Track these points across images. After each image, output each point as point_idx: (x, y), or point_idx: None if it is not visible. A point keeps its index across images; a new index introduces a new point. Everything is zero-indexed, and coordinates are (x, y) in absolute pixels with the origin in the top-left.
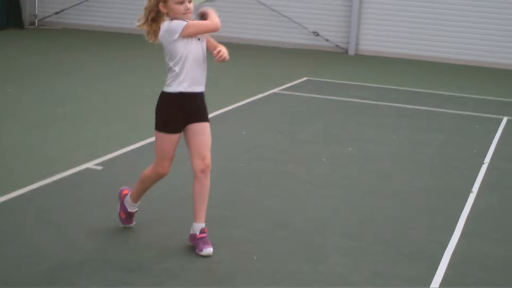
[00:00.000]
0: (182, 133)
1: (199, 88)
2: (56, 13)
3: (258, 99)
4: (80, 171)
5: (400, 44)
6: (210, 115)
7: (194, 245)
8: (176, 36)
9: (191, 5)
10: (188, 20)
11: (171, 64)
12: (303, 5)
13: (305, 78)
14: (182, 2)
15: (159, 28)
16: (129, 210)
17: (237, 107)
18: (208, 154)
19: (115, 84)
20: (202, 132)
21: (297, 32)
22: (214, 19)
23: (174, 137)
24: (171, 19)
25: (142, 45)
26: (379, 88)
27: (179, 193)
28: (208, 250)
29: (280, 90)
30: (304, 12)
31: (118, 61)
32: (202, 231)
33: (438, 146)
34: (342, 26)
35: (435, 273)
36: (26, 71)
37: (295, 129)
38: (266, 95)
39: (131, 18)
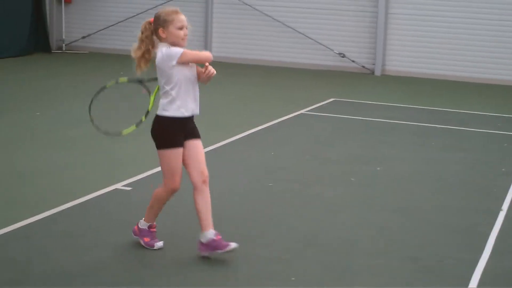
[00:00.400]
0: None
1: (194, 112)
2: (83, 37)
3: (286, 120)
4: (109, 192)
5: (426, 64)
6: (238, 136)
7: (215, 249)
8: (174, 62)
9: (187, 31)
10: (184, 48)
11: (168, 88)
12: (329, 27)
13: (331, 99)
14: (181, 28)
15: (150, 56)
16: (143, 227)
17: (264, 128)
18: (205, 168)
19: (142, 106)
20: (198, 147)
21: (323, 53)
22: (204, 55)
23: (180, 150)
24: (169, 45)
25: None
26: (405, 108)
27: None
28: (232, 244)
29: (307, 111)
30: (330, 34)
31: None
32: (216, 235)
33: (465, 164)
34: (368, 47)
35: None
36: (54, 94)
37: (322, 150)
38: (293, 116)
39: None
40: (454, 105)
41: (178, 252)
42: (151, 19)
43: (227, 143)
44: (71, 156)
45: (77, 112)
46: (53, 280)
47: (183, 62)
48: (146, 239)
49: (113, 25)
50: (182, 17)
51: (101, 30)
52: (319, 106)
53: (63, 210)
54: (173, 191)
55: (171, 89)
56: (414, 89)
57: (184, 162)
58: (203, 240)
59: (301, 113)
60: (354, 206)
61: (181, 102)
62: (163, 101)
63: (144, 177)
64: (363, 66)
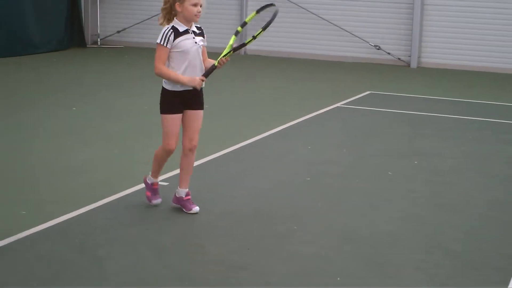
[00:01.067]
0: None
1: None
2: (118, 32)
3: (322, 113)
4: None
5: (463, 55)
6: (275, 130)
7: (181, 206)
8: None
9: (201, 10)
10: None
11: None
12: (364, 19)
13: (368, 92)
14: (196, 5)
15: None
16: (150, 182)
17: (301, 121)
18: (196, 137)
19: None
20: (194, 117)
21: (359, 46)
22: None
23: (176, 116)
24: (179, 24)
25: None
26: (442, 101)
27: (244, 209)
28: (195, 208)
29: (344, 104)
30: (365, 26)
31: None
32: (187, 194)
33: (507, 158)
34: (404, 39)
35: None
36: (89, 89)
37: (359, 143)
38: (330, 110)
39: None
40: (492, 97)
41: (218, 246)
42: None
43: (263, 137)
44: (109, 150)
45: (113, 107)
46: (90, 276)
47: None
48: (148, 193)
49: (147, 19)
50: None
51: (135, 24)
52: (355, 99)
53: (104, 204)
54: (168, 152)
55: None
56: (450, 81)
57: (183, 126)
58: (177, 194)
59: (338, 106)
60: (393, 200)
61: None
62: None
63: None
64: (399, 58)
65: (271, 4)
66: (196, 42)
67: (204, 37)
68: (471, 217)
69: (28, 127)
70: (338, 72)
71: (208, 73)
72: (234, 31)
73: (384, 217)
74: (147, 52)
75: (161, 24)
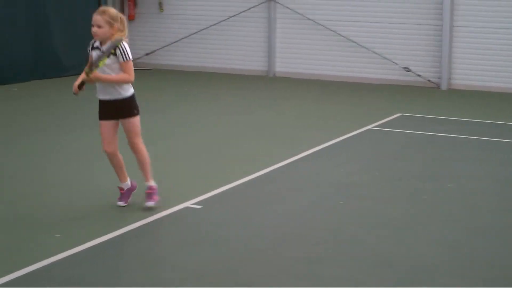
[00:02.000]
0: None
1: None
2: (147, 54)
3: (353, 136)
4: (179, 210)
5: (492, 77)
6: (306, 153)
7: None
8: None
9: (96, 30)
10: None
11: None
12: (393, 41)
13: (398, 114)
14: (92, 26)
15: None
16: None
17: (332, 144)
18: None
19: (206, 122)
20: (124, 124)
21: (388, 68)
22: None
23: (103, 123)
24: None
25: (228, 84)
26: (474, 122)
27: (276, 232)
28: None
29: (374, 126)
30: (395, 48)
31: (209, 100)
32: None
33: None
34: (433, 61)
35: None
36: None
37: (391, 166)
38: (361, 132)
39: (220, 58)
40: None
41: (252, 270)
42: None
43: (294, 160)
44: (139, 173)
45: (147, 131)
46: None
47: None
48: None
49: (176, 41)
50: (94, 17)
51: (164, 46)
52: (386, 121)
53: (136, 228)
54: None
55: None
56: (482, 103)
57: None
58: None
59: (368, 129)
60: (428, 224)
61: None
62: None
63: (213, 195)
64: (429, 80)
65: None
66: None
67: (115, 55)
68: (506, 242)
69: (60, 149)
70: (368, 94)
71: (80, 85)
72: (262, 53)
73: (420, 241)
74: (176, 75)
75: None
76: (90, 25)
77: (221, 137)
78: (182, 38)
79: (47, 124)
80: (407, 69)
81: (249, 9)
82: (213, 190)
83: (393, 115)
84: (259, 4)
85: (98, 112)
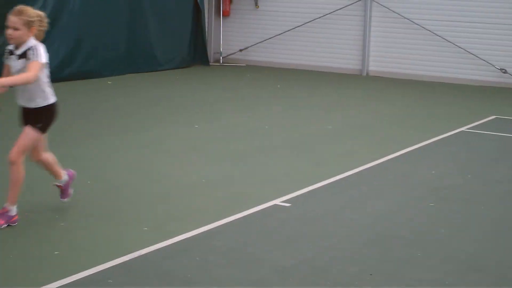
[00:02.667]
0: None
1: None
2: (240, 50)
3: (446, 137)
4: (267, 208)
5: None
6: (398, 153)
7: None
8: None
9: (12, 33)
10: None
11: None
12: (490, 41)
13: (493, 117)
14: (6, 28)
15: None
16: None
17: (425, 145)
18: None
19: (298, 119)
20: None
21: (484, 69)
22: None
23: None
24: None
25: (320, 82)
26: None
27: (366, 233)
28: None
29: (468, 128)
30: (491, 49)
31: (299, 97)
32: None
33: None
34: None
35: None
36: (211, 106)
37: (485, 169)
38: (454, 134)
39: (313, 55)
40: None
41: (339, 269)
42: None
43: (386, 160)
44: (230, 170)
45: (235, 125)
46: None
47: None
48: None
49: (269, 38)
50: (10, 18)
51: (258, 43)
52: (480, 123)
53: (224, 224)
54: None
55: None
56: None
57: None
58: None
59: (462, 131)
60: None
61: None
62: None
63: (303, 193)
64: None
65: None
66: (14, 65)
67: (26, 58)
68: None
69: (151, 144)
70: (463, 95)
71: None
72: (356, 52)
73: (511, 246)
74: (269, 71)
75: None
76: (185, 22)
77: (314, 136)
78: (277, 35)
79: (151, 115)
80: (504, 71)
81: (345, 7)
82: (302, 188)
83: (487, 117)
84: (355, 2)
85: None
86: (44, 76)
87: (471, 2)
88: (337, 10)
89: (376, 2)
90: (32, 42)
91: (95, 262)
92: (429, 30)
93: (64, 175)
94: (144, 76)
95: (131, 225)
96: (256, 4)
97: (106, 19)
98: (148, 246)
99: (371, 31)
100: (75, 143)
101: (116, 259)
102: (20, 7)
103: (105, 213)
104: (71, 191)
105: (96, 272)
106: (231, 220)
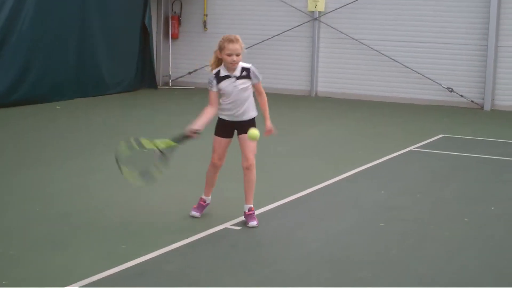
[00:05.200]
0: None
1: (236, 118)
2: (189, 73)
3: (395, 157)
4: (218, 231)
5: None
6: (347, 174)
7: (245, 218)
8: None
9: (237, 58)
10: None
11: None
12: (437, 61)
13: (441, 135)
14: (230, 55)
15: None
16: (206, 203)
17: (374, 165)
18: (251, 157)
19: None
20: (244, 140)
21: (431, 88)
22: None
23: (220, 139)
24: (222, 68)
25: (269, 103)
26: None
27: (318, 255)
28: (252, 223)
29: (417, 148)
30: (438, 68)
31: None
32: (249, 210)
33: None
34: (477, 81)
35: None
36: (160, 129)
37: (434, 188)
38: (403, 153)
39: (262, 76)
40: None
41: None
42: None
43: (335, 181)
44: (181, 193)
45: (183, 150)
46: None
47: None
48: (194, 205)
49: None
50: (232, 46)
51: (207, 65)
52: (428, 142)
53: (177, 247)
54: (213, 165)
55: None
56: None
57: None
58: (244, 209)
59: (411, 150)
60: (470, 247)
61: (222, 108)
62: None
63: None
64: (472, 101)
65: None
66: (235, 86)
67: (250, 78)
68: None
69: (100, 169)
70: (410, 114)
71: (179, 140)
72: (304, 72)
73: (462, 266)
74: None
75: (211, 69)
76: (133, 45)
77: (263, 157)
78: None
79: (86, 143)
80: (450, 90)
81: (293, 28)
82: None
83: (435, 136)
84: (303, 24)
85: (216, 129)
86: None
87: (418, 22)
88: (285, 31)
89: (324, 23)
90: None
91: None
92: (376, 50)
93: None
94: (93, 100)
95: (82, 252)
96: (205, 27)
97: (55, 44)
98: (101, 272)
99: (319, 51)
100: (25, 169)
101: (67, 287)
102: (232, 35)
103: (55, 240)
104: None
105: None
106: (183, 244)
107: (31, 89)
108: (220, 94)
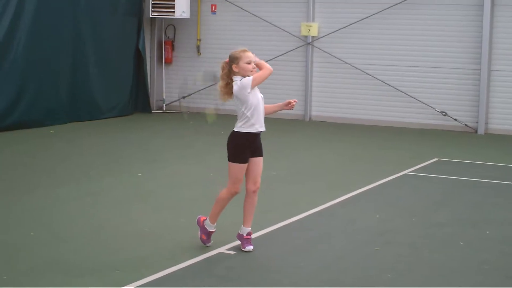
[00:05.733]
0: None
1: (263, 128)
2: (183, 97)
3: (389, 181)
4: (213, 256)
5: None
6: (341, 198)
7: (240, 241)
8: (249, 89)
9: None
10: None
11: (244, 111)
12: (430, 85)
13: (435, 159)
14: (249, 63)
15: (230, 90)
16: (209, 230)
17: (369, 189)
18: (259, 180)
19: None
20: (259, 163)
21: (425, 112)
22: (265, 65)
23: (245, 166)
24: (242, 77)
25: (265, 127)
26: (511, 168)
27: (312, 280)
28: (249, 247)
29: (411, 171)
30: (431, 92)
31: None
32: (248, 234)
33: None
34: (471, 105)
35: None
36: (154, 154)
37: (428, 212)
38: (397, 177)
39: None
40: None
41: None
42: (227, 59)
43: (331, 205)
44: (175, 218)
45: (179, 173)
46: None
47: (255, 86)
48: (204, 237)
49: (212, 85)
50: (248, 53)
51: (200, 90)
52: (422, 166)
53: (170, 273)
54: (234, 194)
55: (247, 111)
56: None
57: (247, 171)
58: (240, 231)
59: (405, 174)
60: (465, 271)
61: (255, 120)
62: (239, 123)
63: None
64: (466, 125)
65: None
66: (255, 94)
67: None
68: None
69: (94, 193)
70: (404, 138)
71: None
72: (298, 97)
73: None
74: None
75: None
76: (127, 69)
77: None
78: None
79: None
80: (444, 113)
81: (287, 53)
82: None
83: (429, 159)
84: (296, 48)
85: (238, 154)
86: None
87: (411, 46)
88: (278, 56)
89: (317, 47)
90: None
91: None
92: (370, 75)
93: None
94: (86, 125)
95: (75, 277)
96: (198, 51)
97: (48, 68)
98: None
99: (313, 76)
100: (18, 193)
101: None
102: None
103: (48, 265)
104: None
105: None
106: (178, 268)
107: (24, 114)
108: (240, 106)
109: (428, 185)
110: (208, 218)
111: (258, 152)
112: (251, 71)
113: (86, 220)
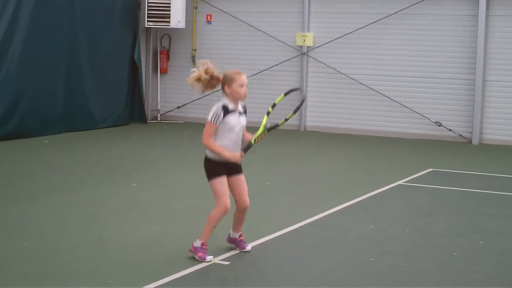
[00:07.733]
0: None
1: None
2: (178, 107)
3: (384, 191)
4: (206, 267)
5: None
6: (335, 208)
7: (236, 245)
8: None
9: (246, 91)
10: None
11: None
12: (425, 95)
13: (429, 169)
14: (242, 85)
15: (211, 86)
16: (202, 246)
17: (363, 199)
18: (247, 199)
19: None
20: (239, 181)
21: (419, 122)
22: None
23: (224, 178)
24: (226, 102)
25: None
26: (506, 178)
27: None
28: (249, 247)
29: (405, 182)
30: (426, 102)
31: None
32: (240, 235)
33: None
34: (465, 115)
35: None
36: (149, 164)
37: (422, 222)
38: (391, 187)
39: (249, 110)
40: None
41: None
42: (210, 66)
43: (324, 216)
44: (170, 228)
45: (174, 183)
46: None
47: (204, 139)
48: (200, 253)
49: (207, 95)
50: (243, 77)
51: (195, 100)
52: (417, 176)
53: (165, 283)
54: (225, 210)
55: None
56: None
57: (231, 191)
58: (231, 236)
59: (399, 184)
60: (459, 281)
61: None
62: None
63: (240, 252)
64: (460, 135)
65: (297, 88)
66: (239, 122)
67: (246, 116)
68: None
69: (89, 204)
70: (399, 149)
71: (246, 149)
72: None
73: None
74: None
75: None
76: (122, 79)
77: (252, 192)
78: (215, 91)
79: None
80: (438, 124)
81: (282, 63)
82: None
83: (424, 170)
84: (291, 58)
85: (213, 171)
86: None
87: (406, 57)
88: (273, 66)
89: (312, 57)
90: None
91: None
92: (364, 85)
93: None
94: (82, 135)
95: (70, 286)
96: (193, 61)
97: (44, 78)
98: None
99: (308, 86)
100: (13, 203)
101: None
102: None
103: (43, 275)
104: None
105: None
106: (172, 279)
107: (19, 124)
108: (217, 131)
109: (422, 196)
110: (198, 239)
111: (235, 170)
112: (243, 96)
113: (81, 229)
